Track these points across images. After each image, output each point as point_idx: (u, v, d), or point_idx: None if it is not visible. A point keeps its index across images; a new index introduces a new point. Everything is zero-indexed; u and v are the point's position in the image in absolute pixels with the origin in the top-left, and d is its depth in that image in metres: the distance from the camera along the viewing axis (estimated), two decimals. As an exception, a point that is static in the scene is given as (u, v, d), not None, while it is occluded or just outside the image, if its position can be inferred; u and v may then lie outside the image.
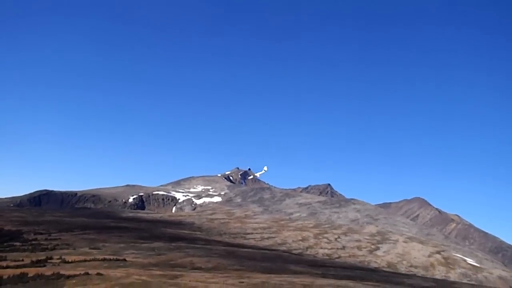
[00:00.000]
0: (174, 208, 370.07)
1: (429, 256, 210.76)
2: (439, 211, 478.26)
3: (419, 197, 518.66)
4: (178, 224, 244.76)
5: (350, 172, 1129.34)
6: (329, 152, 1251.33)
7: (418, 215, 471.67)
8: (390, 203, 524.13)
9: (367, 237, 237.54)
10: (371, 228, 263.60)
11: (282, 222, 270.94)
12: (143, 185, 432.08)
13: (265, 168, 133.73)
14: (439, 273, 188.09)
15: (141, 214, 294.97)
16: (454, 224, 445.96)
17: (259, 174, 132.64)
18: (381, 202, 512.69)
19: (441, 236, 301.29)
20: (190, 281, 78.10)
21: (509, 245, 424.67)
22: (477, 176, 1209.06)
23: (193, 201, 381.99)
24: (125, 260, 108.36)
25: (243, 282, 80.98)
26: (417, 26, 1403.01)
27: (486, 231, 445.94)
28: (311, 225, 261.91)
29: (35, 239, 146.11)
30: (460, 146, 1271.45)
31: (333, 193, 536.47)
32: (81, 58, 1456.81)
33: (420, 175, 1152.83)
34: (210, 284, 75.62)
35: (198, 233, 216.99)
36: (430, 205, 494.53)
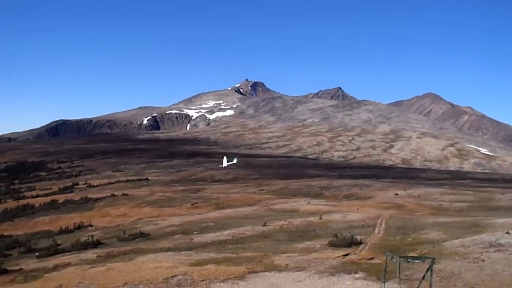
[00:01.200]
0: (188, 126, 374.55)
1: (443, 149, 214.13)
2: (452, 105, 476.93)
3: (431, 93, 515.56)
4: (194, 140, 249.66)
5: (360, 73, 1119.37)
6: (338, 54, 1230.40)
7: (430, 110, 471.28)
8: (402, 101, 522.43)
9: (381, 137, 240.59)
10: (384, 127, 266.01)
11: (296, 129, 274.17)
12: (155, 105, 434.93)
13: (234, 160, 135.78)
14: (453, 164, 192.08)
15: (157, 134, 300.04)
16: (467, 116, 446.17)
17: (227, 165, 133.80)
18: (393, 101, 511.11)
19: (454, 129, 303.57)
20: (212, 193, 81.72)
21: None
22: (487, 66, 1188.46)
23: (206, 117, 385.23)
24: (147, 179, 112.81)
25: (263, 190, 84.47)
26: None
27: (499, 120, 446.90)
28: (324, 130, 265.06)
29: (59, 168, 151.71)
30: (469, 37, 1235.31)
31: (344, 96, 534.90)
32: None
33: (431, 70, 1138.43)
34: (232, 194, 79.12)
35: (215, 147, 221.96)
36: (442, 99, 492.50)
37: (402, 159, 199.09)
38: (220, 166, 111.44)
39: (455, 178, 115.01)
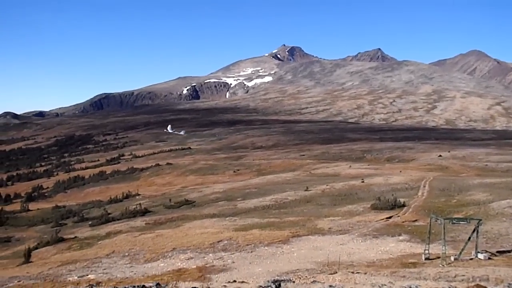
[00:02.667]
0: (227, 94, 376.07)
1: (489, 108, 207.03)
2: (498, 62, 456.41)
3: (475, 50, 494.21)
4: (234, 108, 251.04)
5: (400, 33, 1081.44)
6: (376, 14, 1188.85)
7: (475, 68, 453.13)
8: (445, 59, 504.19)
9: (423, 97, 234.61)
10: (427, 88, 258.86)
11: (335, 93, 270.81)
12: (194, 75, 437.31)
13: (182, 132, 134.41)
14: (500, 124, 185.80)
15: (197, 103, 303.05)
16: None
17: (172, 131, 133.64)
18: (435, 60, 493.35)
19: (500, 87, 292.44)
20: (253, 159, 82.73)
21: None
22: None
23: (244, 84, 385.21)
24: (190, 148, 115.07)
25: (304, 155, 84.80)
26: None
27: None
28: (364, 92, 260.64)
29: (105, 140, 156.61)
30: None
31: (384, 57, 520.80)
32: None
33: (474, 27, 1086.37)
34: (273, 160, 79.84)
35: (254, 114, 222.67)
36: (488, 56, 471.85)
37: (445, 120, 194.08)
38: (165, 130, 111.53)
39: (502, 138, 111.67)
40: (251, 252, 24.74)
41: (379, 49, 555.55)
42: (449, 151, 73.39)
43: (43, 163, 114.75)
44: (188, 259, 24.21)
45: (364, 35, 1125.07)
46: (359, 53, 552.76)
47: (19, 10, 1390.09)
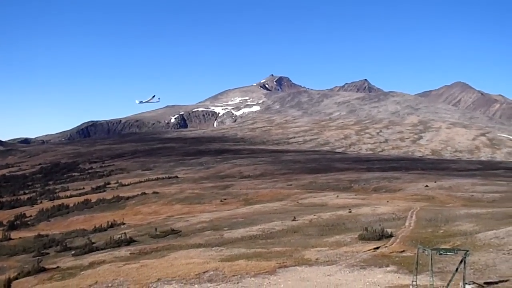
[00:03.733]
0: (215, 123, 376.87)
1: (474, 139, 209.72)
2: (482, 93, 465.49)
3: (459, 82, 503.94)
4: (221, 137, 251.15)
5: (386, 64, 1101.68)
6: (363, 46, 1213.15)
7: (460, 99, 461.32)
8: (430, 91, 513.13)
9: (409, 128, 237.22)
10: (413, 118, 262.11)
11: (323, 122, 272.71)
12: (182, 104, 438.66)
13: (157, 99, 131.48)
14: (485, 154, 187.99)
15: (185, 132, 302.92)
16: (498, 105, 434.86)
17: (146, 100, 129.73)
18: (420, 91, 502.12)
19: (485, 118, 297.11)
20: (241, 189, 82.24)
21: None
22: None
23: (232, 113, 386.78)
24: (176, 177, 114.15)
25: (291, 185, 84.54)
26: None
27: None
28: (351, 123, 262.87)
29: (91, 168, 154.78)
30: (495, 23, 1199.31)
31: (370, 88, 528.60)
32: None
33: (459, 58, 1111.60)
34: (260, 189, 79.46)
35: (242, 143, 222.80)
36: (472, 88, 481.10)
37: (431, 150, 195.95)
38: (137, 101, 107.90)
39: (487, 169, 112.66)
40: (237, 283, 24.34)
41: (366, 79, 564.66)
42: (435, 181, 73.74)
43: (27, 191, 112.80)
44: (173, 290, 23.69)
45: (351, 66, 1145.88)
46: (346, 83, 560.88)
47: (3, 36, 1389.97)
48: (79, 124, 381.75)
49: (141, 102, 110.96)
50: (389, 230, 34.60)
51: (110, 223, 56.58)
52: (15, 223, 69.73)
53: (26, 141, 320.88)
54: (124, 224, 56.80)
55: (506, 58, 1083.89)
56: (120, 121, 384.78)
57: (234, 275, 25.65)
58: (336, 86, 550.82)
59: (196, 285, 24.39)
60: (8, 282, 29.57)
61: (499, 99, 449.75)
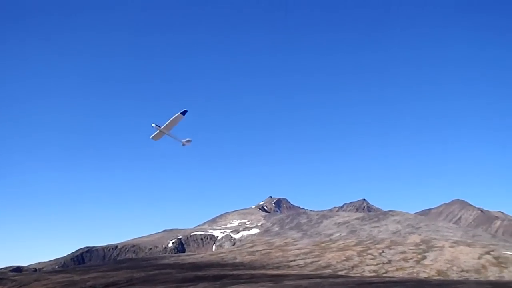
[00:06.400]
0: (214, 246, 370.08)
1: (479, 258, 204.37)
2: (482, 210, 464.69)
3: (458, 199, 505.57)
4: (220, 261, 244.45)
5: (384, 184, 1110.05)
6: (361, 165, 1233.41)
7: (460, 217, 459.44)
8: (430, 209, 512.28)
9: (412, 247, 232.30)
10: (415, 238, 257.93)
11: (323, 244, 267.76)
12: (180, 228, 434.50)
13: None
14: (492, 273, 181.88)
15: (183, 257, 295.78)
16: (499, 221, 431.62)
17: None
18: (420, 210, 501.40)
19: (487, 235, 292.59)
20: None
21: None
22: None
23: (231, 237, 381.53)
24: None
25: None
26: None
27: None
28: (353, 243, 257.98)
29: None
30: (491, 140, 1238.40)
31: (370, 208, 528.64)
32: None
33: (457, 176, 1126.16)
34: (261, 318, 75.35)
35: (241, 267, 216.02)
36: (471, 205, 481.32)
37: (437, 271, 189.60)
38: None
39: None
40: None
41: (364, 199, 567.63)
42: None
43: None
44: None
45: (349, 186, 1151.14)
46: (344, 203, 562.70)
47: None
48: (73, 250, 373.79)
49: (158, 126, 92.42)
50: None
51: None
52: None
53: (18, 269, 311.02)
54: None
55: (504, 174, 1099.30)
56: (117, 246, 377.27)
57: None
58: (335, 207, 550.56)
59: None
60: None
61: (500, 216, 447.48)
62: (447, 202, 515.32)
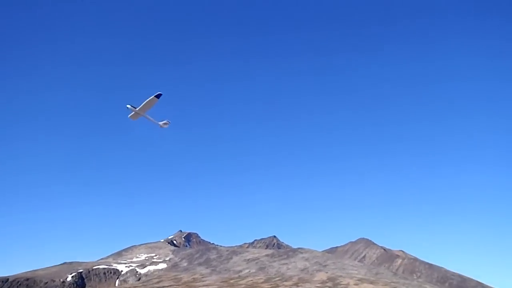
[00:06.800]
0: (117, 281, 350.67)
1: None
2: (384, 249, 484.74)
3: (363, 238, 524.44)
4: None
5: (294, 221, 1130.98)
6: (272, 202, 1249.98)
7: (364, 255, 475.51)
8: (337, 247, 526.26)
9: (319, 285, 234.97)
10: (322, 275, 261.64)
11: (232, 281, 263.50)
12: (81, 260, 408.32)
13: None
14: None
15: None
16: (400, 260, 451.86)
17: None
18: (327, 248, 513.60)
19: (389, 273, 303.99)
20: None
21: (454, 273, 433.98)
22: (416, 207, 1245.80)
23: (137, 271, 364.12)
24: None
25: None
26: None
27: (431, 263, 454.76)
28: (261, 280, 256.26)
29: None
30: (397, 184, 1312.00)
31: (279, 245, 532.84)
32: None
33: (362, 216, 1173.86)
34: None
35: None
36: (375, 244, 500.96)
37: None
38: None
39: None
40: None
41: (275, 236, 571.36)
42: None
43: None
44: None
45: (259, 222, 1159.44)
46: (255, 240, 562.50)
47: None
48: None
49: (133, 107, 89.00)
50: None
51: None
52: None
53: None
54: None
55: (405, 213, 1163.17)
56: (8, 279, 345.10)
57: None
58: (246, 243, 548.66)
59: None
60: None
61: (401, 254, 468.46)
62: (353, 240, 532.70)
